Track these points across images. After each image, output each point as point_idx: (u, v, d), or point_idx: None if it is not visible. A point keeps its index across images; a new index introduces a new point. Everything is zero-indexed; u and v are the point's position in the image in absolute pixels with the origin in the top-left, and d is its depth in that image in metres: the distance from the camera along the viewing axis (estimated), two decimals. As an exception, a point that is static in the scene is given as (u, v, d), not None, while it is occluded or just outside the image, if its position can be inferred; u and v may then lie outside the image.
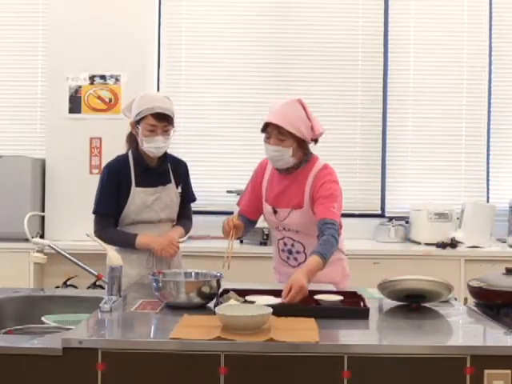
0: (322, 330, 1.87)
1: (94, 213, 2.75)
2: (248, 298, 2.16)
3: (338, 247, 2.66)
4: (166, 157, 2.81)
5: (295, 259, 2.70)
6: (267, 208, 2.72)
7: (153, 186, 2.77)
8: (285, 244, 2.71)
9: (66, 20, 4.09)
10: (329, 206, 2.51)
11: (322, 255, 2.35)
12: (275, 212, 2.68)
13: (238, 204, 2.88)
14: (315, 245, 2.41)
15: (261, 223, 2.99)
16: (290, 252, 2.70)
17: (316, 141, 2.66)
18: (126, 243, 2.73)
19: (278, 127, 2.52)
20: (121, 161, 2.78)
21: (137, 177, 2.75)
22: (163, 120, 2.67)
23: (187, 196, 2.92)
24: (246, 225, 2.68)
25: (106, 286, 2.25)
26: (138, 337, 1.91)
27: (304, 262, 2.61)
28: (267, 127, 2.57)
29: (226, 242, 2.53)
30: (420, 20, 4.59)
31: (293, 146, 2.55)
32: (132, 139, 2.79)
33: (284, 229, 2.69)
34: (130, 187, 2.73)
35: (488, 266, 3.84)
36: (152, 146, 2.68)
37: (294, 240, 2.68)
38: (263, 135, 2.61)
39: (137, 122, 2.69)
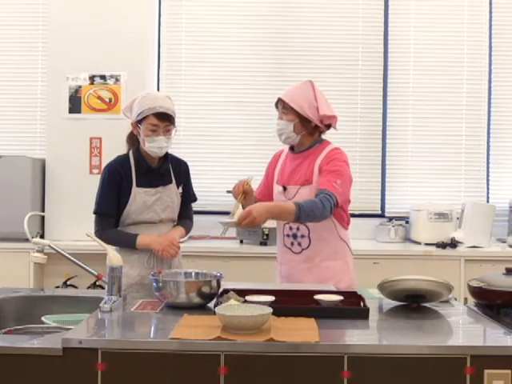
0: (322, 330, 1.87)
1: (95, 213, 2.74)
2: (248, 297, 2.16)
3: (343, 238, 2.70)
4: (167, 157, 2.81)
5: (299, 244, 2.70)
6: (277, 188, 2.77)
7: (154, 186, 2.76)
8: (290, 228, 2.71)
9: (65, 20, 4.10)
10: (331, 180, 2.57)
11: (298, 205, 2.43)
12: (285, 189, 2.72)
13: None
14: (320, 227, 2.42)
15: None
16: (295, 236, 2.70)
17: (329, 127, 2.73)
18: (126, 243, 2.73)
19: (283, 102, 2.70)
20: (122, 161, 2.77)
21: (138, 177, 2.74)
22: (165, 120, 2.67)
23: (188, 196, 2.92)
24: None
25: (106, 286, 2.25)
26: (138, 337, 1.91)
27: (308, 247, 2.66)
28: (278, 103, 2.76)
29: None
30: (420, 20, 4.59)
31: (294, 121, 2.67)
32: (132, 139, 2.79)
33: None
34: (131, 187, 2.73)
35: (488, 266, 3.84)
36: (154, 146, 2.68)
37: None
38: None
39: (138, 122, 2.69)
